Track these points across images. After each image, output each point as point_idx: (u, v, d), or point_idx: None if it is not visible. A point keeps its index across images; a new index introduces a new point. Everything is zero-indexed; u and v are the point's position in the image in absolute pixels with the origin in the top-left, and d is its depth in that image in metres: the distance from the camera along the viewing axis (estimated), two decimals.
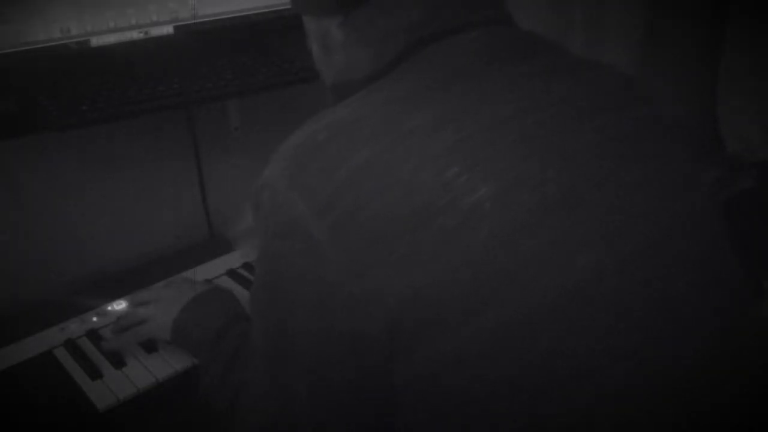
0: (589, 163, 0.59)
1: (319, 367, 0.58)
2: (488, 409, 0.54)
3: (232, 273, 1.13)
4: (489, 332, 0.53)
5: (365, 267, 0.53)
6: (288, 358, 0.59)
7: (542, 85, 0.62)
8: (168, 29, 1.07)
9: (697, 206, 0.65)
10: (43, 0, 0.96)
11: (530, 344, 0.53)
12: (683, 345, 0.58)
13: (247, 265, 1.15)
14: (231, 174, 1.29)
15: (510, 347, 0.53)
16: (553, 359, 0.53)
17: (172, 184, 1.26)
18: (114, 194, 1.18)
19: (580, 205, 0.57)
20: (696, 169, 0.67)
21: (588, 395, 0.54)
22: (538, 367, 0.53)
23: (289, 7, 1.07)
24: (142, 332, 0.93)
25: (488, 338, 0.53)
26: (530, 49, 0.66)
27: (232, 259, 1.16)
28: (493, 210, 0.54)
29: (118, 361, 0.92)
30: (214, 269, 1.14)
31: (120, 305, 1.04)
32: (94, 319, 1.02)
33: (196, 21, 1.09)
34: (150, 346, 0.94)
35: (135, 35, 1.05)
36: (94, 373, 0.90)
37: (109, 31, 1.02)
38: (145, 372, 0.91)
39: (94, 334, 0.98)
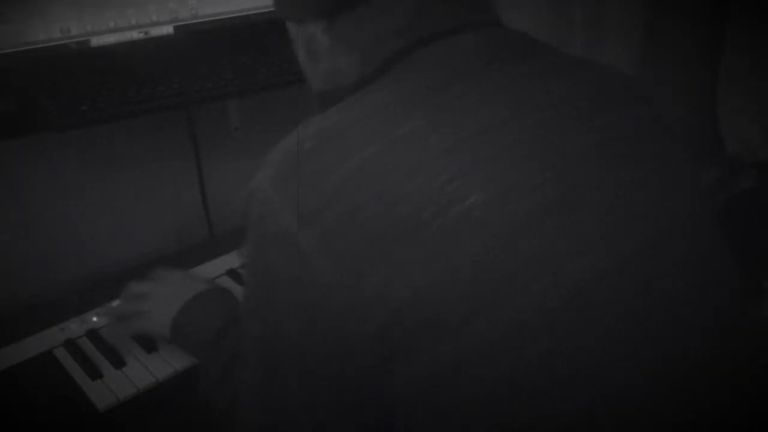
0: (589, 163, 0.59)
1: (313, 370, 0.57)
2: (488, 409, 0.54)
3: (232, 273, 1.13)
4: (488, 334, 0.52)
5: (356, 276, 0.53)
6: (283, 363, 0.59)
7: (542, 86, 0.62)
8: (168, 29, 1.07)
9: (696, 206, 0.65)
10: (43, 0, 0.96)
11: (530, 345, 0.53)
12: (683, 345, 0.58)
13: None
14: (231, 174, 1.29)
15: (510, 347, 0.53)
16: (553, 360, 0.53)
17: (172, 184, 1.26)
18: (114, 194, 1.18)
19: (580, 206, 0.57)
20: (695, 170, 0.67)
21: (588, 395, 0.54)
22: (538, 367, 0.53)
23: None
24: (138, 326, 0.93)
25: (487, 340, 0.53)
26: (527, 50, 0.66)
27: (232, 259, 1.16)
28: (490, 213, 0.54)
29: (118, 361, 0.92)
30: (214, 269, 1.13)
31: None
32: (94, 319, 1.02)
33: (196, 21, 1.09)
34: (150, 346, 0.94)
35: (135, 35, 1.05)
36: (94, 373, 0.90)
37: (109, 31, 1.03)
38: (145, 372, 0.91)
39: (94, 334, 0.98)
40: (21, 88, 1.01)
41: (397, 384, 0.55)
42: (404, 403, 0.55)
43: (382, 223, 0.53)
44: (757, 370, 0.63)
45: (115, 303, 1.02)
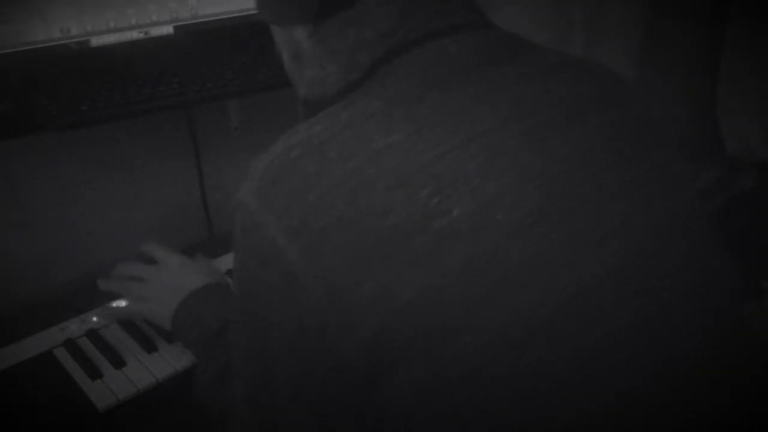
0: (579, 169, 0.58)
1: (302, 384, 0.57)
2: (487, 411, 0.53)
3: (232, 273, 1.12)
4: (480, 343, 0.52)
5: (342, 289, 0.52)
6: (271, 375, 0.58)
7: (530, 88, 0.61)
8: (168, 29, 1.07)
9: (692, 207, 0.65)
10: (43, 0, 0.96)
11: (527, 351, 0.53)
12: (683, 345, 0.58)
13: None
14: (231, 174, 1.29)
15: (505, 354, 0.52)
16: (551, 363, 0.53)
17: (172, 184, 1.26)
18: (114, 194, 1.18)
19: (572, 212, 0.56)
20: (691, 170, 0.66)
21: (588, 397, 0.54)
22: (536, 371, 0.53)
23: None
24: (136, 311, 0.93)
25: (479, 349, 0.52)
26: (513, 52, 0.64)
27: (232, 259, 1.15)
28: (476, 225, 0.53)
29: (118, 361, 0.92)
30: None
31: (120, 305, 1.04)
32: (94, 319, 1.02)
33: (196, 21, 1.09)
34: (150, 346, 0.94)
35: (135, 35, 1.05)
36: (94, 373, 0.90)
37: (109, 31, 1.03)
38: (145, 372, 0.91)
39: (94, 334, 0.98)
40: (21, 88, 1.01)
41: (388, 396, 0.54)
42: (396, 414, 0.55)
43: (367, 236, 0.52)
44: (757, 370, 0.63)
45: (115, 303, 1.02)
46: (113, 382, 0.89)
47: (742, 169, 1.64)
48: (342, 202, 0.53)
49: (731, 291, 0.65)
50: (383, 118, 0.57)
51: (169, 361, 0.92)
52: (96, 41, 1.02)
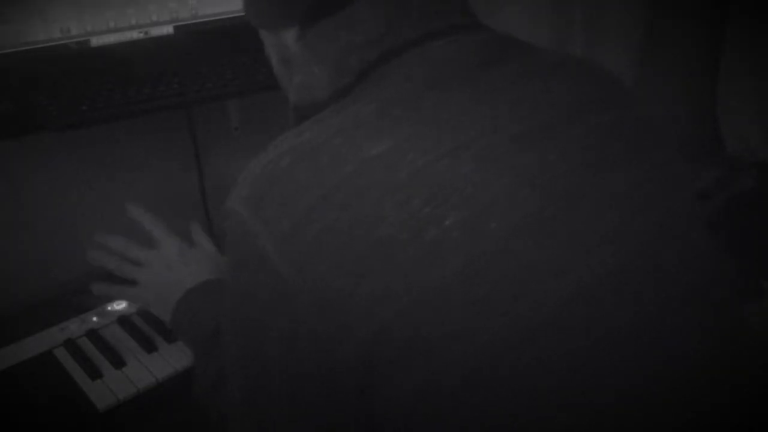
0: (579, 169, 0.58)
1: (294, 392, 0.56)
2: (486, 412, 0.53)
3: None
4: (475, 350, 0.52)
5: (334, 299, 0.52)
6: (264, 384, 0.58)
7: (527, 91, 0.61)
8: (168, 29, 1.07)
9: (691, 207, 0.65)
10: (43, 0, 0.96)
11: (525, 353, 0.52)
12: (683, 345, 0.58)
13: None
14: (231, 174, 1.28)
15: (503, 356, 0.52)
16: (551, 365, 0.53)
17: (172, 184, 1.26)
18: (114, 194, 1.18)
19: (568, 215, 0.56)
20: (689, 171, 0.66)
21: (588, 398, 0.54)
22: (535, 373, 0.53)
23: None
24: (132, 297, 0.93)
25: (474, 355, 0.52)
26: (510, 53, 0.64)
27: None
28: (469, 233, 0.53)
29: (118, 361, 0.92)
30: None
31: (120, 305, 1.04)
32: (94, 319, 1.02)
33: (196, 21, 1.09)
34: (150, 346, 0.94)
35: (135, 35, 1.05)
36: (94, 373, 0.90)
37: (109, 31, 1.03)
38: (145, 372, 0.91)
39: (94, 334, 0.98)
40: (21, 88, 1.01)
41: (387, 397, 0.54)
42: (396, 415, 0.55)
43: (359, 246, 0.52)
44: (757, 370, 0.63)
45: (115, 303, 1.03)
46: (113, 382, 0.89)
47: (742, 169, 1.64)
48: (333, 211, 0.52)
49: (731, 291, 0.65)
50: (373, 126, 0.56)
51: (169, 361, 0.92)
52: (96, 41, 1.02)
